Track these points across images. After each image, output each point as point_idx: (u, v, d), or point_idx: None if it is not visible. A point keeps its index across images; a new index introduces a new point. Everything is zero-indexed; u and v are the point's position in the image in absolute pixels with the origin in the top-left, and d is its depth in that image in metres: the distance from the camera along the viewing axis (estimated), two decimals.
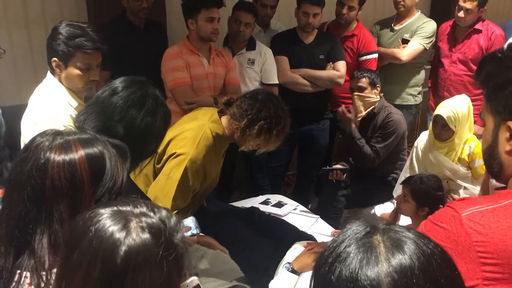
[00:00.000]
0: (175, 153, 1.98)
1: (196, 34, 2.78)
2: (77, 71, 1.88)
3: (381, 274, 0.65)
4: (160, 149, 2.02)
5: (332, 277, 0.68)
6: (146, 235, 0.78)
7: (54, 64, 1.89)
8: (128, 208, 0.83)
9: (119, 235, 0.77)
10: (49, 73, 1.96)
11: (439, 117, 2.56)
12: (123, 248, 0.76)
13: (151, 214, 0.82)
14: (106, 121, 1.46)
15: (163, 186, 1.95)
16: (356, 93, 3.00)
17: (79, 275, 0.77)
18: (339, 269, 0.68)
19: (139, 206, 0.84)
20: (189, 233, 1.72)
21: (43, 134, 1.07)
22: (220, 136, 2.06)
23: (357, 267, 0.67)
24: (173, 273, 0.79)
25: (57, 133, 1.07)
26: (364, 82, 2.96)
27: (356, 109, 3.05)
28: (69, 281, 0.79)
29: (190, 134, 2.02)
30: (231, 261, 2.11)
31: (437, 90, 3.54)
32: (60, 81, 1.93)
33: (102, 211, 0.82)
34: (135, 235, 0.78)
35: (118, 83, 1.53)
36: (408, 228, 0.74)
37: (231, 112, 2.04)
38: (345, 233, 0.73)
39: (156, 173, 2.06)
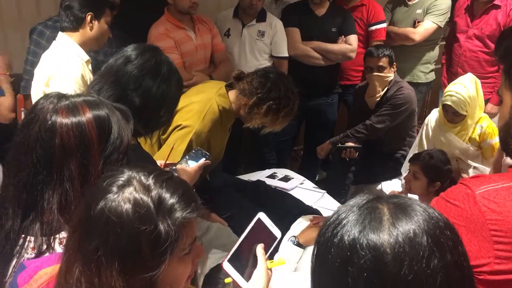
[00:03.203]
0: (180, 125, 1.98)
1: (174, 7, 2.71)
2: (106, 26, 2.10)
3: (385, 236, 0.65)
4: None
5: (335, 239, 0.69)
6: (127, 206, 0.80)
7: (89, 17, 2.04)
8: (138, 175, 0.85)
9: (109, 190, 0.82)
10: (60, 33, 2.06)
11: (448, 106, 2.51)
12: (102, 203, 0.81)
13: (152, 187, 0.83)
14: (122, 90, 1.46)
15: (167, 157, 1.95)
16: (376, 73, 2.91)
17: (76, 214, 0.85)
18: (340, 233, 0.69)
19: (147, 178, 0.85)
20: (192, 162, 1.72)
21: (46, 97, 1.07)
22: (227, 110, 2.05)
23: (360, 230, 0.67)
24: (144, 249, 0.79)
25: (61, 96, 1.07)
26: (384, 61, 2.87)
27: (373, 89, 2.99)
28: (73, 218, 0.86)
29: (196, 107, 2.01)
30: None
31: (450, 66, 3.46)
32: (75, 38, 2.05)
33: (125, 169, 0.87)
34: (117, 200, 0.81)
35: (131, 50, 1.51)
36: (408, 197, 0.73)
37: (240, 87, 2.03)
38: (348, 204, 0.74)
39: (161, 144, 2.06)
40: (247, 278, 1.00)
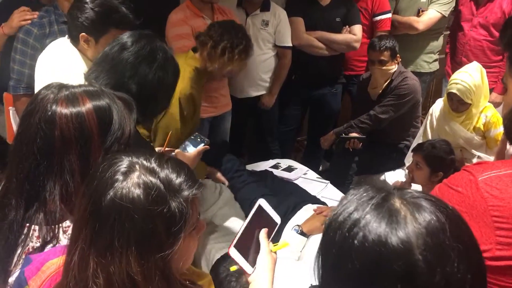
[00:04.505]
0: None
1: None
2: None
3: (411, 234, 0.63)
4: None
5: (355, 241, 0.65)
6: (137, 191, 0.80)
7: (82, 39, 1.80)
8: (138, 160, 0.85)
9: (115, 179, 0.81)
10: (67, 40, 1.89)
11: (453, 94, 2.50)
12: (111, 193, 0.80)
13: (158, 170, 0.83)
14: (118, 78, 1.46)
15: (168, 123, 2.09)
16: (377, 67, 2.90)
17: (81, 210, 0.83)
18: (361, 233, 0.65)
19: (149, 161, 0.85)
20: (191, 148, 1.78)
21: (48, 87, 1.06)
22: (198, 69, 2.25)
23: (386, 230, 0.64)
24: (160, 230, 0.80)
25: (62, 86, 1.06)
26: (386, 55, 2.85)
27: (375, 81, 2.98)
28: (78, 212, 0.85)
29: None
30: (237, 225, 2.14)
31: (454, 55, 3.43)
32: (80, 50, 1.86)
33: (118, 155, 0.86)
34: (126, 186, 0.81)
35: (126, 38, 1.51)
36: (417, 190, 0.72)
37: (200, 40, 2.24)
38: (355, 199, 0.71)
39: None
40: (252, 263, 1.01)
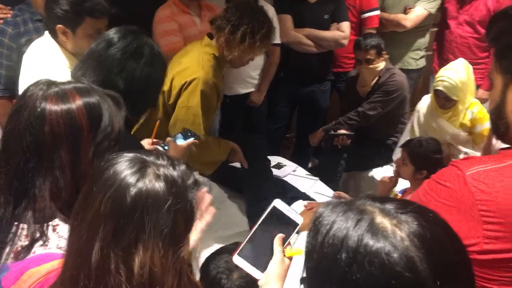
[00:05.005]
0: (185, 82, 2.03)
1: None
2: (86, 37, 1.79)
3: (413, 255, 0.62)
4: (166, 87, 2.06)
5: (359, 275, 0.62)
6: (160, 183, 0.82)
7: (60, 31, 1.78)
8: (150, 158, 0.86)
9: (133, 177, 0.82)
10: (47, 34, 1.86)
11: (439, 91, 2.52)
12: (134, 190, 0.80)
13: (171, 168, 0.85)
14: (105, 75, 1.45)
15: (187, 117, 2.01)
16: (364, 65, 2.92)
17: (92, 210, 0.82)
18: (366, 264, 0.62)
19: (161, 159, 0.86)
20: (181, 141, 1.76)
21: (36, 84, 1.06)
22: (216, 56, 2.12)
23: (389, 253, 0.62)
24: (180, 224, 0.82)
25: (51, 83, 1.06)
26: (372, 54, 2.87)
27: (363, 80, 3.00)
28: (83, 216, 0.83)
29: (192, 62, 2.07)
30: (232, 224, 2.13)
31: (441, 52, 3.47)
32: (60, 44, 1.84)
33: (125, 154, 0.86)
34: (148, 181, 0.81)
35: (112, 34, 1.50)
36: (393, 199, 0.71)
37: (217, 25, 2.08)
38: (340, 222, 0.67)
39: (167, 110, 2.10)
40: (263, 269, 0.97)
